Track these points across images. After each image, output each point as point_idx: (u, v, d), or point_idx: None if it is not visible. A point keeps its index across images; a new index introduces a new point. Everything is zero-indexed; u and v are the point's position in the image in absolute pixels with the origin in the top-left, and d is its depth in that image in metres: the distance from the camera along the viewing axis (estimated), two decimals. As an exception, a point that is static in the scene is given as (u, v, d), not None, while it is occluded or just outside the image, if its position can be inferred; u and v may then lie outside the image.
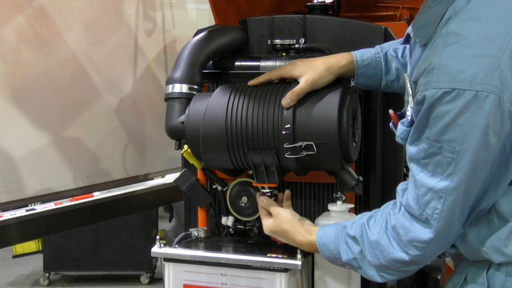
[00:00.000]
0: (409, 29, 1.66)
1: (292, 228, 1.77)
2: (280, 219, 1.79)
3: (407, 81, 1.62)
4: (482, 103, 1.38)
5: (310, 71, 1.78)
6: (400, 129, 1.62)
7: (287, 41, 2.03)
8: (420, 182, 1.49)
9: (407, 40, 1.73)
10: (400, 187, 1.63)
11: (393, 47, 1.87)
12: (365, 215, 1.68)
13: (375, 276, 1.63)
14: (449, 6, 1.47)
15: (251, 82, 1.85)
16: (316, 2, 2.50)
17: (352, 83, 1.87)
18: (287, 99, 1.75)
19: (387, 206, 1.64)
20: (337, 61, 1.82)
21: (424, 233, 1.51)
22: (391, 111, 1.70)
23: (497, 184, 1.48)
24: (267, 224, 1.81)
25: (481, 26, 1.42)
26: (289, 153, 1.75)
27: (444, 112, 1.41)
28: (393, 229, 1.57)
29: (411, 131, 1.52)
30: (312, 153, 1.73)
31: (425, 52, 1.51)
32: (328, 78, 1.79)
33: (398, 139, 1.65)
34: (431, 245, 1.52)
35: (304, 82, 1.76)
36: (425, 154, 1.47)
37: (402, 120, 1.63)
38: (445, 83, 1.40)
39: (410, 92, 1.58)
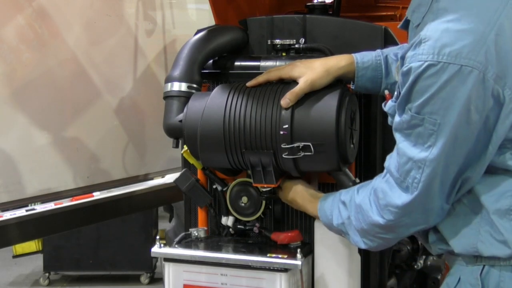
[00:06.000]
0: (407, 12, 1.67)
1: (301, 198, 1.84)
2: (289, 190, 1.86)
3: (397, 66, 1.64)
4: (466, 78, 1.39)
5: (309, 71, 1.78)
6: (389, 104, 1.65)
7: (287, 41, 2.04)
8: (402, 150, 1.52)
9: (406, 25, 1.73)
10: (389, 155, 1.64)
11: (393, 51, 1.86)
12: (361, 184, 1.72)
13: (359, 242, 1.67)
14: None
15: (249, 83, 1.85)
16: (316, 2, 2.51)
17: (352, 86, 1.87)
18: (286, 99, 1.75)
19: (380, 174, 1.66)
20: (337, 62, 1.82)
21: (400, 199, 1.53)
22: (386, 92, 1.73)
23: (476, 164, 1.48)
24: (282, 196, 1.89)
25: (470, 3, 1.43)
26: (286, 153, 1.75)
27: (428, 86, 1.42)
28: (375, 193, 1.60)
29: (397, 102, 1.53)
30: (310, 154, 1.74)
31: (417, 31, 1.52)
32: (327, 79, 1.79)
33: (388, 115, 1.66)
34: (405, 212, 1.54)
35: (303, 83, 1.76)
36: (408, 125, 1.49)
37: (392, 98, 1.65)
38: (430, 55, 1.41)
39: (399, 70, 1.59)
